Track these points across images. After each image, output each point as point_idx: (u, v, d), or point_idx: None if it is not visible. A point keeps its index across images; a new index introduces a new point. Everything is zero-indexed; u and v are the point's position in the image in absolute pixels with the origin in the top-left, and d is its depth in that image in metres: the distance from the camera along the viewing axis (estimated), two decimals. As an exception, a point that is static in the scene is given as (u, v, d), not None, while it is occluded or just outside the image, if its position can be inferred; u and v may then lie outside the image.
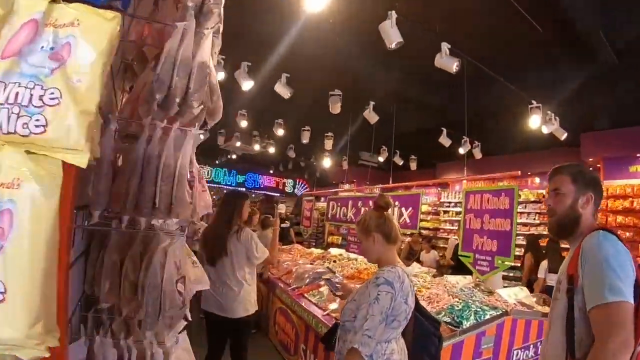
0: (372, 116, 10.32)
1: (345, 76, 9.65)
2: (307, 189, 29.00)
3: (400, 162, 15.53)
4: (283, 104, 9.81)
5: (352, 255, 9.53)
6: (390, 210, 3.06)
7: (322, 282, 6.45)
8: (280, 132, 12.80)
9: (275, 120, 12.77)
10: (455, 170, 16.74)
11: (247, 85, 8.56)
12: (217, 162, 26.02)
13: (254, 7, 7.21)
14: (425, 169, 17.18)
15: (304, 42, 7.98)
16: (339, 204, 10.52)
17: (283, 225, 13.23)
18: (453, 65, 6.96)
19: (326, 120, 12.55)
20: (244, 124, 12.27)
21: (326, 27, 7.27)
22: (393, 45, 6.18)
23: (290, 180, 28.90)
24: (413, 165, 16.15)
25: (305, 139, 13.03)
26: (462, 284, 6.28)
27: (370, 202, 7.40)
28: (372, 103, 10.29)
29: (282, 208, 13.94)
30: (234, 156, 22.20)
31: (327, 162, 16.44)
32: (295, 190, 28.97)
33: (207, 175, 26.48)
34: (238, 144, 15.36)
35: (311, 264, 8.75)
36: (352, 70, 9.45)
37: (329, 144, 13.40)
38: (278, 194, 28.85)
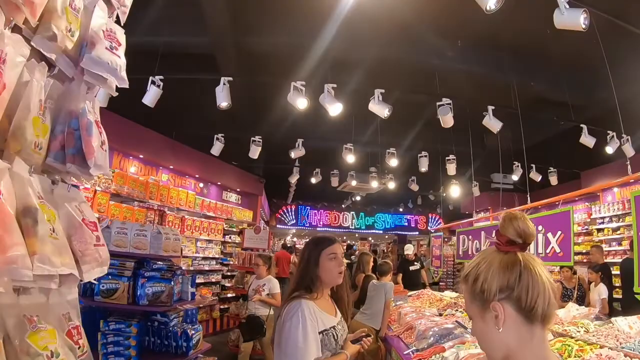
0: (493, 124, 8.59)
1: (449, 81, 8.25)
2: (440, 224, 27.07)
3: (538, 178, 13.33)
4: (387, 128, 8.58)
5: None
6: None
7: (450, 344, 4.95)
8: (393, 162, 11.40)
9: (386, 150, 11.45)
10: (604, 176, 14.04)
11: (335, 109, 7.38)
12: (342, 205, 25.08)
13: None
14: (568, 181, 14.61)
15: (392, 47, 6.85)
16: (470, 237, 8.93)
17: (412, 267, 11.78)
18: (579, 20, 5.16)
19: (443, 141, 11.15)
20: (351, 159, 11.08)
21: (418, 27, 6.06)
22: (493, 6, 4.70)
23: (421, 217, 27.15)
24: (553, 180, 13.80)
25: (423, 167, 11.54)
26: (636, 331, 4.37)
27: (494, 231, 5.92)
28: (490, 108, 8.59)
29: (409, 249, 12.53)
30: (358, 198, 21.05)
31: (455, 191, 14.65)
32: (429, 226, 27.11)
33: (335, 220, 25.66)
34: (354, 183, 14.21)
35: (440, 314, 7.20)
36: (454, 73, 8.02)
37: (451, 168, 11.78)
38: (412, 233, 27.22)
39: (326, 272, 2.87)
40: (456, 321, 6.30)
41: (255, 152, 10.51)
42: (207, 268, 11.47)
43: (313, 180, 14.53)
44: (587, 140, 10.08)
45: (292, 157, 10.92)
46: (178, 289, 4.22)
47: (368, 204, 25.23)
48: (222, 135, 10.57)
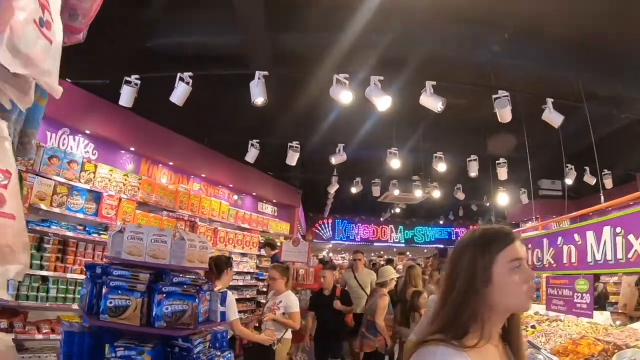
0: (554, 117, 7.69)
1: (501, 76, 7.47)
2: (482, 238, 25.88)
3: (593, 181, 12.23)
4: (431, 133, 7.83)
5: (551, 314, 7.09)
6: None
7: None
8: (441, 167, 10.56)
9: (433, 154, 10.62)
10: None
11: (383, 102, 6.61)
12: (381, 219, 24.21)
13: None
14: (624, 184, 13.40)
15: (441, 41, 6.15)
16: (530, 245, 8.01)
17: None
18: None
19: (490, 145, 10.37)
20: (395, 164, 10.28)
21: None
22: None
23: (462, 229, 26.03)
24: (608, 183, 12.62)
25: (473, 172, 10.67)
26: None
27: (559, 238, 6.36)
28: (550, 100, 7.72)
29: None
30: (397, 210, 20.16)
31: (503, 199, 13.62)
32: (470, 240, 25.91)
33: (374, 234, 24.81)
34: (396, 192, 13.36)
35: None
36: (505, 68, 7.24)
37: (502, 172, 10.87)
38: (453, 246, 26.06)
39: (508, 293, 1.55)
40: (528, 342, 5.46)
41: (292, 158, 9.85)
42: (241, 283, 10.76)
43: (353, 190, 13.74)
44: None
45: (333, 162, 10.18)
46: (205, 307, 3.46)
47: (407, 216, 24.34)
48: (257, 141, 9.93)
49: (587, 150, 10.64)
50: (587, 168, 12.04)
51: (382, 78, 6.56)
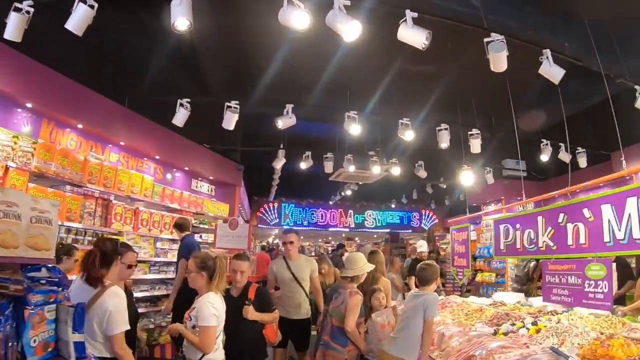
0: (554, 72, 6.29)
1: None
2: (435, 222, 24.89)
3: (568, 159, 11.10)
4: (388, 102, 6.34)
5: (555, 308, 5.94)
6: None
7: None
8: (408, 135, 9.01)
9: (399, 120, 9.05)
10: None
11: (351, 30, 4.83)
12: (330, 202, 22.74)
13: None
14: (598, 163, 12.29)
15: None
16: (519, 226, 6.66)
17: None
18: None
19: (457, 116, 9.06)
20: (355, 130, 8.66)
21: None
22: None
23: (414, 213, 24.93)
24: (582, 162, 11.53)
25: (444, 142, 9.19)
26: None
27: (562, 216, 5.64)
28: (548, 52, 6.35)
29: (422, 246, 10.22)
30: (348, 192, 18.67)
31: (468, 178, 12.27)
32: (423, 223, 24.91)
33: (322, 219, 23.36)
34: (351, 168, 11.71)
35: (495, 332, 5.07)
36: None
37: (476, 145, 9.46)
38: (404, 231, 25.00)
39: None
40: (551, 348, 4.03)
41: (230, 121, 8.05)
42: (172, 275, 8.89)
43: (303, 166, 12.00)
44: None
45: (280, 126, 8.37)
46: (40, 334, 1.81)
47: (357, 200, 22.98)
48: (188, 100, 8.14)
49: (560, 127, 9.62)
50: (562, 145, 10.91)
51: (348, 3, 4.88)
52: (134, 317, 4.37)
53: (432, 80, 8.97)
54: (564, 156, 10.99)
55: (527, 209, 6.71)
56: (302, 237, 35.26)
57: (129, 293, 4.76)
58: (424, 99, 9.53)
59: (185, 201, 9.87)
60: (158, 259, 8.77)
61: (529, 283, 11.03)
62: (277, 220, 23.00)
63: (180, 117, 8.08)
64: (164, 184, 9.55)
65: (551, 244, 5.95)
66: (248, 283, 4.97)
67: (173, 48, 7.48)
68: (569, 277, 5.46)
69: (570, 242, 5.61)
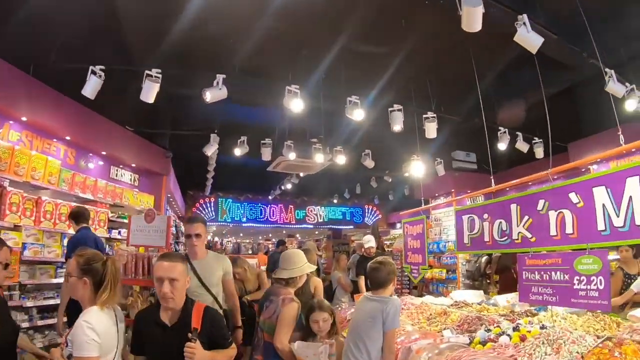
0: (531, 39, 5.51)
1: None
2: (378, 217, 24.17)
3: (525, 149, 10.57)
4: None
5: (526, 307, 5.67)
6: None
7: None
8: (358, 115, 7.95)
9: (348, 97, 8.00)
10: (598, 147, 11.23)
11: None
12: (269, 197, 21.60)
13: None
14: (556, 154, 11.72)
15: None
16: (487, 216, 5.79)
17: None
18: None
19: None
20: (296, 105, 7.56)
21: None
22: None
23: (357, 209, 24.15)
24: (539, 152, 10.98)
25: (397, 125, 8.21)
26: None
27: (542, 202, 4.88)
28: (524, 17, 5.58)
29: (370, 241, 9.27)
30: (289, 186, 17.59)
31: (418, 169, 11.42)
32: (366, 219, 24.16)
33: (261, 215, 22.20)
34: (292, 156, 10.59)
35: (470, 341, 4.25)
36: None
37: (431, 129, 8.56)
38: (347, 227, 24.17)
39: None
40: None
41: (149, 92, 6.70)
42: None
43: (237, 152, 10.76)
44: (616, 88, 7.36)
45: (208, 99, 7.09)
46: None
47: (298, 195, 22.01)
48: (103, 68, 6.82)
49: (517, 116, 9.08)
50: (519, 134, 10.30)
51: None
52: (8, 332, 3.28)
53: (384, 59, 8.09)
54: (522, 145, 10.38)
55: (499, 198, 5.80)
56: (241, 235, 33.97)
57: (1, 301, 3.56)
58: (374, 80, 8.60)
59: (100, 191, 8.51)
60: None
61: (480, 279, 10.38)
62: (214, 215, 21.67)
63: (91, 87, 6.71)
64: (76, 170, 8.19)
65: (528, 235, 5.08)
66: (189, 301, 3.25)
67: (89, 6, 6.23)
68: (553, 272, 4.58)
69: (553, 232, 4.74)
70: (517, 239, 5.23)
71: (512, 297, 6.65)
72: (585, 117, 10.20)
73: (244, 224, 22.50)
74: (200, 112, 10.07)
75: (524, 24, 5.53)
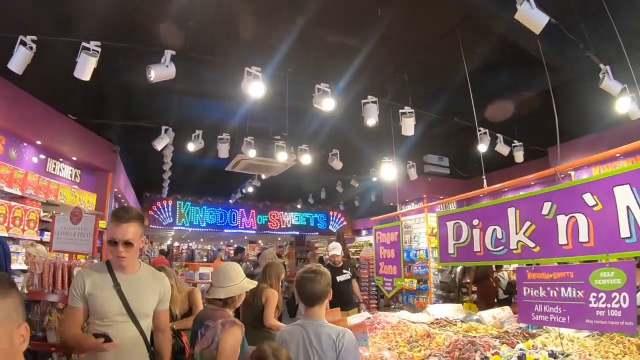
0: (535, 16, 4.80)
1: None
2: (343, 224, 23.40)
3: (506, 151, 9.94)
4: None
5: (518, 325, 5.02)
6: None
7: None
8: (328, 105, 7.03)
9: (316, 84, 7.10)
10: (581, 150, 10.70)
11: None
12: (230, 201, 20.58)
13: None
14: (535, 158, 11.20)
15: None
16: (479, 221, 5.00)
17: (341, 277, 7.84)
18: None
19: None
20: (257, 90, 6.57)
21: None
22: None
23: (322, 215, 23.32)
24: (519, 156, 10.38)
25: (371, 118, 7.34)
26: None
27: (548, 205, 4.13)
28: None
29: (335, 248, 8.42)
30: (250, 189, 16.61)
31: (389, 172, 10.62)
32: (330, 226, 23.35)
33: (222, 219, 21.15)
34: (252, 153, 9.60)
35: None
36: None
37: (408, 125, 7.75)
38: (311, 233, 23.30)
39: None
40: None
41: (85, 67, 5.66)
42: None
43: (191, 148, 9.72)
44: (612, 85, 6.75)
45: (152, 78, 6.01)
46: None
47: (260, 199, 21.07)
48: (34, 39, 5.77)
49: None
50: (500, 136, 9.67)
51: None
52: None
53: (356, 50, 7.31)
54: (502, 148, 9.73)
55: (494, 200, 5.01)
56: (201, 240, 32.70)
57: None
58: (345, 70, 7.78)
59: (31, 186, 7.36)
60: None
61: (456, 290, 9.69)
62: (172, 220, 20.53)
63: (19, 59, 5.66)
64: (5, 161, 7.11)
65: (531, 244, 4.30)
66: None
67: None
68: (563, 288, 3.80)
69: (563, 240, 3.98)
70: (516, 249, 4.45)
71: (498, 312, 5.89)
72: (571, 119, 9.69)
73: (203, 229, 21.34)
74: (153, 104, 9.15)
75: (528, 1, 4.78)
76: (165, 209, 20.42)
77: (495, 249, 4.73)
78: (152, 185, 17.84)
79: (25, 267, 6.46)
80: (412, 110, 7.73)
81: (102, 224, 9.20)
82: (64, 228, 5.07)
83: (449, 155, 13.18)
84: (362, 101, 7.33)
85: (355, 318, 5.82)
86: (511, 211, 4.55)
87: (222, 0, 6.12)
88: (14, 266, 6.45)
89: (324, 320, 3.11)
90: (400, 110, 7.73)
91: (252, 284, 3.66)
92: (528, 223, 4.34)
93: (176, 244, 31.41)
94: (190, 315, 4.88)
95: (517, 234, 4.46)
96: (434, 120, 9.60)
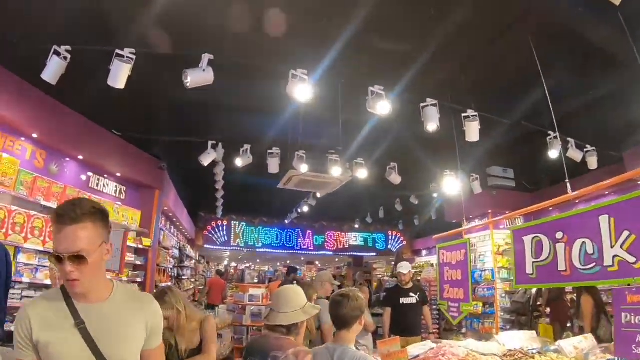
0: None
1: None
2: (403, 244, 22.53)
3: (579, 157, 8.93)
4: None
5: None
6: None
7: None
8: (382, 108, 6.32)
9: (370, 88, 6.45)
10: None
11: None
12: (286, 221, 20.13)
13: None
14: (610, 164, 10.13)
15: None
16: (563, 234, 4.23)
17: (407, 300, 7.46)
18: None
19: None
20: (303, 93, 5.89)
21: None
22: None
23: (380, 235, 22.53)
24: (592, 162, 9.30)
25: (432, 123, 6.58)
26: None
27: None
28: None
29: (404, 267, 7.77)
30: (305, 208, 16.05)
31: (452, 186, 9.80)
32: (389, 245, 22.52)
33: (277, 240, 20.73)
34: (304, 168, 9.03)
35: None
36: None
37: (473, 130, 6.97)
38: (369, 254, 22.54)
39: None
40: None
41: (118, 75, 5.22)
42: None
43: (239, 163, 9.26)
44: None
45: (189, 84, 5.46)
46: None
47: (317, 219, 20.53)
48: (69, 49, 5.44)
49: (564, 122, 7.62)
50: (571, 140, 8.75)
51: None
52: None
53: (411, 54, 6.66)
54: (574, 154, 8.75)
55: (583, 209, 4.18)
56: (258, 261, 32.54)
57: None
58: (401, 73, 7.12)
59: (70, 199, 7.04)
60: (23, 279, 6.01)
61: (529, 313, 8.84)
62: (226, 239, 20.31)
63: (53, 69, 5.35)
64: (44, 175, 6.82)
65: (630, 259, 3.51)
66: None
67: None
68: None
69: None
70: (612, 266, 3.66)
71: (579, 341, 5.02)
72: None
73: (258, 249, 21.00)
74: (201, 119, 8.86)
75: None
76: (220, 228, 20.31)
77: (584, 267, 3.94)
78: (207, 205, 17.66)
79: (48, 282, 6.14)
80: (476, 114, 6.98)
81: (146, 241, 8.85)
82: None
83: (514, 166, 12.23)
84: (421, 104, 6.64)
85: (416, 348, 5.08)
86: (604, 220, 3.76)
87: (269, 6, 5.64)
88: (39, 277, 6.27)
89: (350, 345, 3.03)
90: (463, 114, 6.99)
91: (316, 308, 3.28)
92: (627, 233, 3.55)
93: (233, 264, 31.28)
94: (198, 352, 3.62)
95: (612, 247, 3.67)
96: (497, 126, 8.76)
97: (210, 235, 20.07)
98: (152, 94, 7.30)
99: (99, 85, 5.55)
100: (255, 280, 16.49)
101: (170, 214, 12.87)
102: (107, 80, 5.29)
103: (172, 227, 14.52)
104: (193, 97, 6.15)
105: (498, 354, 4.86)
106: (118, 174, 9.01)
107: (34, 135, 6.81)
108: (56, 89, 5.66)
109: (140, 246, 8.89)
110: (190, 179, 13.43)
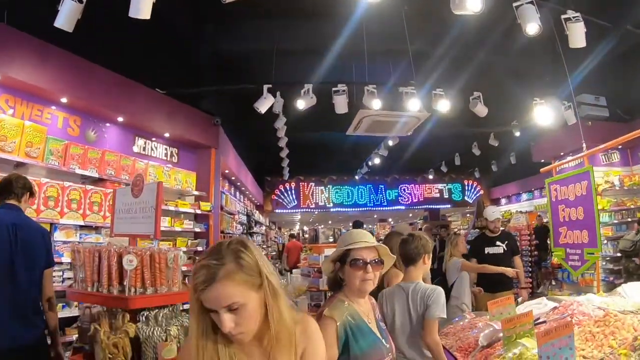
0: None
1: None
2: (480, 193, 21.10)
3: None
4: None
5: None
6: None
7: None
8: (474, 3, 5.03)
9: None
10: None
11: None
12: (356, 177, 19.17)
13: None
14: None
15: None
16: None
17: (493, 249, 6.54)
18: None
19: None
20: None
21: None
22: None
23: (456, 185, 21.14)
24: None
25: (532, 23, 5.28)
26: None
27: None
28: None
29: (492, 213, 6.65)
30: (377, 160, 14.91)
31: (543, 116, 8.40)
32: (466, 196, 21.12)
33: (348, 198, 19.80)
34: (376, 104, 7.87)
35: None
36: None
37: (578, 33, 5.60)
38: (444, 206, 21.28)
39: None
40: None
41: (140, 3, 4.32)
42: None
43: (301, 105, 8.03)
44: None
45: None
46: None
47: (387, 173, 19.41)
48: None
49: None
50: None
51: None
52: None
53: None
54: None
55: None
56: (330, 222, 31.97)
57: None
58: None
59: (110, 166, 6.27)
60: (62, 259, 5.28)
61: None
62: (296, 202, 19.63)
63: (66, 14, 4.46)
64: (79, 142, 6.05)
65: None
66: None
67: None
68: None
69: None
70: None
71: None
72: None
73: (329, 210, 20.21)
74: (252, 69, 7.94)
75: None
76: (289, 191, 19.71)
77: None
78: (272, 168, 17.15)
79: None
80: (578, 15, 5.62)
81: (205, 206, 8.04)
82: (126, 204, 3.73)
83: (605, 94, 10.61)
84: (514, 4, 5.33)
85: (529, 308, 3.93)
86: None
87: None
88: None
89: (418, 281, 3.36)
90: (563, 16, 5.64)
91: (392, 258, 2.73)
92: None
93: (305, 228, 30.86)
94: None
95: None
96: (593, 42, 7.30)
97: (279, 199, 19.48)
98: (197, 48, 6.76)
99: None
100: (331, 239, 15.74)
101: (233, 178, 12.07)
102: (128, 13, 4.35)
103: (237, 191, 13.83)
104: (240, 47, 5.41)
105: (635, 311, 3.62)
106: (166, 135, 8.09)
107: (63, 100, 5.99)
108: (85, 49, 4.97)
109: (198, 211, 7.99)
110: (252, 141, 12.76)
